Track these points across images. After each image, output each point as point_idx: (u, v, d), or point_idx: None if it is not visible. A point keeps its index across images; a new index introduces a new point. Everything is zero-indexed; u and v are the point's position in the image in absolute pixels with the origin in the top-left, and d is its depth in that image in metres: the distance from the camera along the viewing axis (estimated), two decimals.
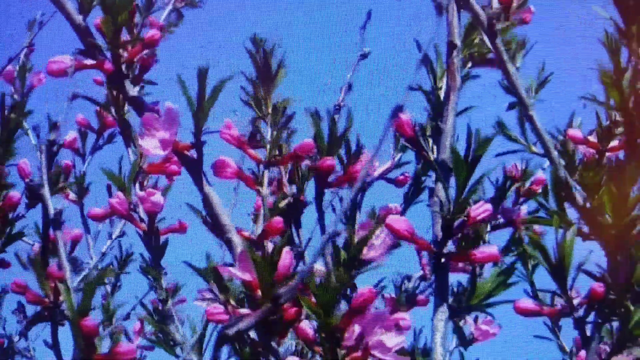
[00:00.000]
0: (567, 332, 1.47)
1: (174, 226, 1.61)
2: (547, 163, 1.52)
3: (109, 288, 1.98)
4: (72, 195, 1.91)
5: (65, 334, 1.48)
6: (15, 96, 1.86)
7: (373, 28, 1.73)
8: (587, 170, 1.13)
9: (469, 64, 1.44)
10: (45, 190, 1.32)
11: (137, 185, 1.51)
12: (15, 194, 1.53)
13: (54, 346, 1.49)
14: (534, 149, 1.53)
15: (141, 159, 1.49)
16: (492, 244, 1.22)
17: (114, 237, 1.98)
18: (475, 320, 1.65)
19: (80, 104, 1.37)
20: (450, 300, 1.19)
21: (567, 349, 1.45)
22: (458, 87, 1.30)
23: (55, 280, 1.40)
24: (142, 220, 1.51)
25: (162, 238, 1.53)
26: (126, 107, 1.39)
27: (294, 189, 1.33)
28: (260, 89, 1.36)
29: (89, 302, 1.06)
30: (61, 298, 1.42)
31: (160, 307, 1.53)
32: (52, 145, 1.33)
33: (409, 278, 1.47)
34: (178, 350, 1.48)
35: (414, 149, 1.36)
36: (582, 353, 1.15)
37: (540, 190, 1.50)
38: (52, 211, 1.31)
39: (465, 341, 1.45)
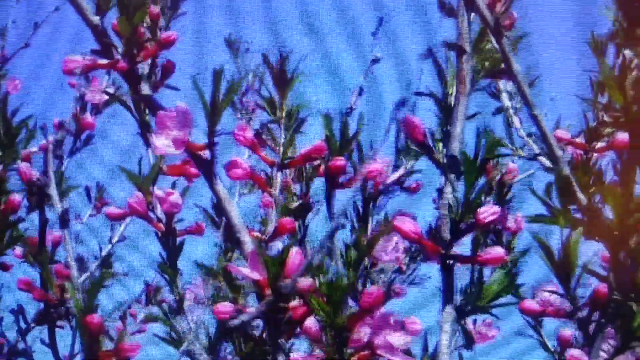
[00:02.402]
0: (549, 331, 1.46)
1: (192, 227, 1.61)
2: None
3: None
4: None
5: (62, 335, 1.50)
6: None
7: (387, 32, 1.74)
8: (575, 170, 1.14)
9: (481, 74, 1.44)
10: (52, 189, 1.33)
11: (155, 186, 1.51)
12: (17, 197, 1.53)
13: (52, 346, 1.49)
14: (521, 152, 1.54)
15: (161, 160, 1.49)
16: (498, 246, 1.23)
17: (114, 241, 1.99)
18: (474, 323, 1.65)
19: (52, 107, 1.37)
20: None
21: (552, 348, 1.44)
22: (467, 93, 1.31)
23: (61, 278, 1.41)
24: (159, 220, 1.51)
25: (179, 239, 1.53)
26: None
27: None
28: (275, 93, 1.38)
29: (94, 300, 1.07)
30: (67, 295, 1.43)
31: (173, 307, 1.53)
32: (59, 144, 1.34)
33: (382, 270, 1.47)
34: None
35: (424, 153, 1.37)
36: (569, 352, 1.15)
37: (513, 181, 1.51)
38: (59, 208, 1.32)
39: (471, 343, 1.46)
